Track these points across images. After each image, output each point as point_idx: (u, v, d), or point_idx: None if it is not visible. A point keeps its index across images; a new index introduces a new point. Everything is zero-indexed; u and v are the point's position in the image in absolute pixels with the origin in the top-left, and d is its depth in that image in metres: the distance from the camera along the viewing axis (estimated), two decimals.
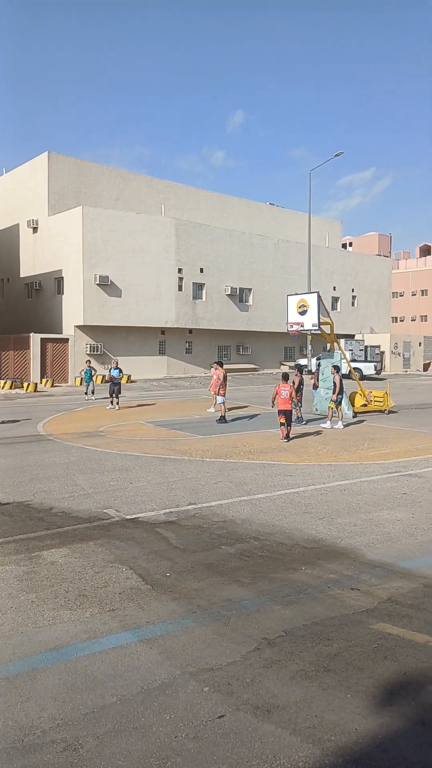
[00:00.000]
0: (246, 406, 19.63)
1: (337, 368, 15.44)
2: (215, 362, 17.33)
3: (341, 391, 14.97)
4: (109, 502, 7.84)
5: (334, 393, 15.01)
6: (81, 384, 29.53)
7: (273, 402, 13.28)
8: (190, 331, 37.06)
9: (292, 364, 41.29)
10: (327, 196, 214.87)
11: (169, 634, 4.23)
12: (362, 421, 16.25)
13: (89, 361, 24.61)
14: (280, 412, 12.76)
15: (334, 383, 15.08)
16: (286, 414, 12.74)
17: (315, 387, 17.88)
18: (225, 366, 16.72)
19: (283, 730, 3.16)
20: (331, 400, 15.02)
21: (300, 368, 16.73)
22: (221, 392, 15.95)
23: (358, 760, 2.93)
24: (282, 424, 12.84)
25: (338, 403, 14.96)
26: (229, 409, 16.41)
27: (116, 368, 19.89)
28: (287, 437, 12.90)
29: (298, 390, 15.79)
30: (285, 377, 13.21)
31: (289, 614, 4.55)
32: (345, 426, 15.07)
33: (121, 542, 6.25)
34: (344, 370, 17.69)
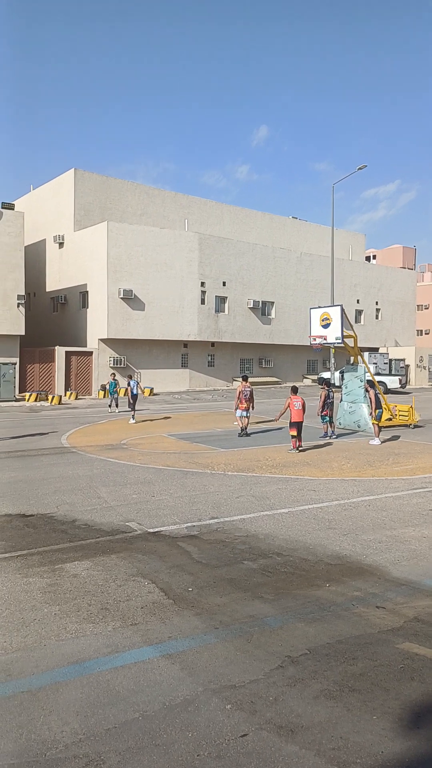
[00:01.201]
0: (269, 420, 19.54)
1: (371, 383, 15.28)
2: (241, 376, 17.28)
3: (379, 406, 14.79)
4: (131, 515, 7.86)
5: (372, 409, 14.85)
6: (104, 397, 29.85)
7: (281, 415, 13.94)
8: (213, 344, 37.16)
9: (315, 377, 41.04)
10: (351, 209, 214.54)
11: (192, 650, 4.20)
12: (397, 436, 16.03)
13: (114, 374, 24.83)
14: (293, 424, 13.15)
15: (370, 399, 14.93)
16: (299, 426, 13.14)
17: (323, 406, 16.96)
18: (249, 379, 16.63)
19: (307, 751, 3.11)
20: (373, 417, 14.83)
21: (327, 382, 16.42)
22: (241, 406, 15.87)
23: None
24: (294, 437, 13.18)
25: (378, 418, 14.78)
26: (254, 423, 16.34)
27: (128, 382, 20.11)
28: (298, 449, 13.21)
29: (325, 405, 15.58)
30: (294, 390, 13.75)
31: (313, 632, 4.48)
32: (380, 442, 14.71)
33: (144, 556, 6.25)
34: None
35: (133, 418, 19.40)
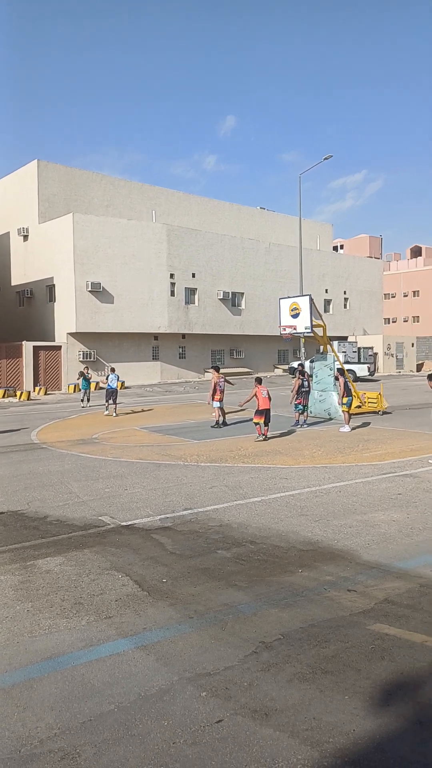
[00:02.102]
0: (242, 410, 19.63)
1: (341, 371, 15.45)
2: (212, 367, 17.29)
3: (348, 393, 14.96)
4: (104, 509, 7.82)
5: (341, 396, 15.01)
6: (75, 391, 29.52)
7: (246, 402, 14.42)
8: (183, 336, 37.07)
9: (286, 367, 41.34)
10: (319, 199, 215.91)
11: (166, 640, 4.22)
12: (367, 423, 16.28)
13: (87, 368, 24.58)
14: (260, 411, 13.38)
15: (339, 387, 15.09)
16: (267, 413, 13.40)
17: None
18: (220, 370, 16.64)
19: (281, 733, 3.16)
20: (343, 404, 15.00)
21: (302, 371, 16.47)
22: (216, 397, 15.90)
23: (356, 761, 2.93)
24: (257, 424, 13.46)
25: (348, 405, 14.95)
26: (227, 413, 16.39)
27: (112, 374, 19.87)
28: (266, 437, 13.44)
29: (299, 393, 15.72)
30: (259, 381, 14.11)
31: (286, 617, 4.55)
32: (350, 429, 14.89)
33: (117, 549, 6.24)
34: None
35: (113, 411, 19.18)
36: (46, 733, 3.22)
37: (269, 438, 13.56)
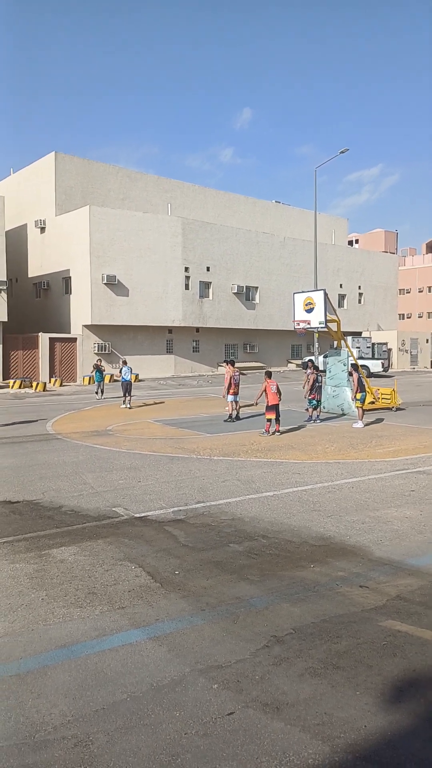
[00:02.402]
0: (254, 404, 19.62)
1: (355, 367, 15.34)
2: (226, 361, 17.30)
3: (362, 389, 14.86)
4: (117, 501, 7.88)
5: (355, 392, 14.92)
6: (90, 383, 29.69)
7: (258, 398, 14.13)
8: (197, 329, 37.08)
9: (299, 362, 41.20)
10: (335, 193, 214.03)
11: (178, 632, 4.25)
12: (381, 419, 16.19)
13: (100, 360, 24.73)
14: (271, 407, 13.31)
15: (353, 382, 14.98)
16: (277, 409, 13.36)
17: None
18: (234, 364, 16.65)
19: (292, 727, 3.18)
20: (356, 400, 14.91)
21: (315, 366, 16.43)
22: (231, 391, 15.93)
23: (367, 757, 2.94)
24: (270, 420, 13.36)
25: (362, 401, 14.86)
26: (240, 408, 16.41)
27: (125, 366, 19.96)
28: (279, 432, 13.39)
29: (313, 388, 15.67)
30: (269, 374, 14.01)
31: (298, 612, 4.56)
32: (364, 425, 14.81)
33: (130, 540, 6.28)
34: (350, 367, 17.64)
35: (128, 403, 19.29)
36: (60, 720, 3.26)
37: (283, 432, 13.53)
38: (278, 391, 13.56)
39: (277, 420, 13.43)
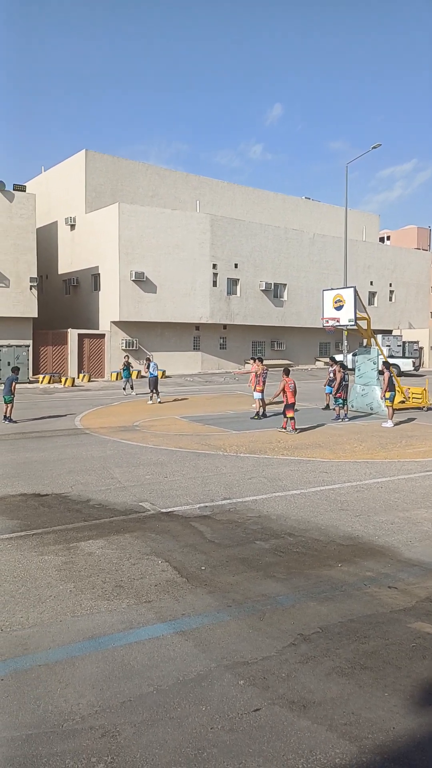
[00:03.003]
0: (281, 402, 19.52)
1: (387, 365, 15.10)
2: (254, 358, 17.27)
3: (392, 388, 14.63)
4: (144, 496, 7.93)
5: (385, 390, 14.71)
6: (118, 379, 29.98)
7: (276, 396, 14.03)
8: (225, 326, 37.05)
9: (327, 359, 40.80)
10: (367, 188, 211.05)
11: (205, 627, 4.26)
12: (412, 419, 15.95)
13: (127, 356, 24.97)
14: (290, 405, 13.34)
15: (384, 380, 14.75)
16: (293, 407, 13.45)
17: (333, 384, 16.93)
18: (263, 361, 16.64)
19: (319, 726, 3.15)
20: (386, 399, 14.71)
21: (342, 364, 16.35)
22: (258, 388, 15.91)
23: (396, 759, 2.90)
24: (292, 419, 13.41)
25: (391, 400, 14.65)
26: (267, 405, 16.36)
27: (147, 365, 20.12)
28: (296, 429, 13.40)
29: (340, 387, 15.53)
30: (287, 372, 14.05)
31: (325, 611, 4.52)
32: (393, 425, 14.59)
33: (157, 535, 6.32)
34: (380, 365, 17.40)
35: (151, 399, 19.50)
36: (87, 710, 3.30)
37: (303, 430, 13.44)
38: (295, 390, 13.57)
39: (293, 418, 13.44)
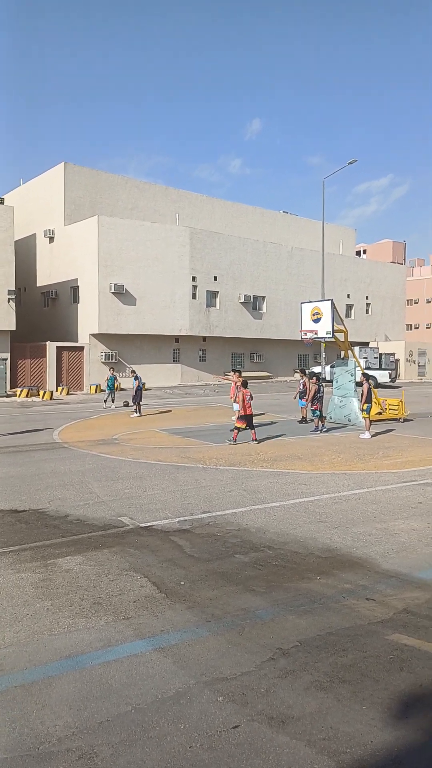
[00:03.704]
0: (262, 414, 19.61)
1: (367, 377, 15.28)
2: (233, 370, 17.36)
3: (369, 400, 14.78)
4: (123, 510, 7.88)
5: (363, 402, 14.87)
6: (97, 392, 29.77)
7: (234, 399, 14.18)
8: (204, 339, 37.15)
9: (307, 371, 41.09)
10: (344, 203, 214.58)
11: (184, 643, 4.23)
12: (388, 430, 16.13)
13: (112, 369, 24.90)
14: (244, 417, 13.43)
15: (363, 392, 14.90)
16: (250, 419, 13.56)
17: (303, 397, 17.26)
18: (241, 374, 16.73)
19: (298, 741, 3.15)
20: (363, 410, 14.86)
21: (317, 375, 16.57)
22: (237, 400, 15.94)
23: None
24: (240, 429, 13.56)
25: (368, 411, 14.80)
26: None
27: (135, 377, 20.16)
28: (257, 440, 13.61)
29: (315, 399, 15.68)
30: (245, 384, 13.95)
31: (304, 624, 4.53)
32: (371, 436, 14.74)
33: (136, 550, 6.27)
34: (357, 377, 17.61)
35: (138, 412, 19.46)
36: (64, 732, 3.25)
37: (261, 441, 13.65)
38: (251, 401, 13.71)
39: (252, 428, 13.60)
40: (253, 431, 13.62)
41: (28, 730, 3.27)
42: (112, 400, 22.92)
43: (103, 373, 28.32)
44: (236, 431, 13.60)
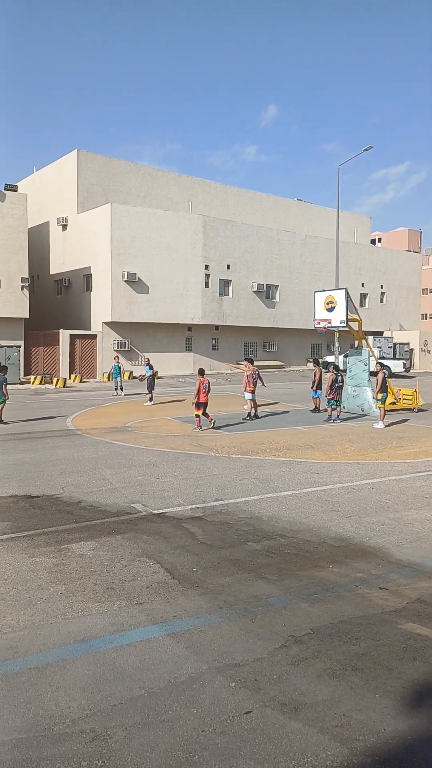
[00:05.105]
0: (275, 403, 19.57)
1: (382, 365, 15.16)
2: (246, 359, 17.32)
3: (383, 389, 14.66)
4: (136, 497, 7.91)
5: (377, 392, 14.75)
6: (109, 380, 29.90)
7: (196, 396, 14.21)
8: (217, 327, 37.06)
9: (320, 361, 40.86)
10: (360, 190, 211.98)
11: (196, 629, 4.25)
12: (403, 420, 16.01)
13: (117, 357, 24.90)
14: (201, 404, 13.85)
15: (378, 381, 14.77)
16: (205, 406, 13.95)
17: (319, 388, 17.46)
18: (253, 362, 16.73)
19: (310, 728, 3.15)
20: (378, 400, 14.77)
21: (335, 366, 16.47)
22: (249, 389, 15.93)
23: (386, 761, 2.90)
24: (197, 416, 13.95)
25: (382, 401, 14.69)
26: (258, 406, 16.39)
27: (147, 365, 20.21)
28: (202, 427, 13.99)
29: (332, 388, 15.55)
30: (201, 372, 14.49)
31: (316, 612, 4.52)
32: (384, 426, 14.64)
33: (149, 537, 6.30)
34: (371, 367, 17.48)
35: (151, 400, 19.51)
36: (78, 714, 3.29)
37: (219, 427, 13.99)
38: (208, 391, 13.99)
39: (206, 414, 13.98)
40: (197, 419, 13.94)
41: (43, 712, 3.31)
42: (121, 388, 22.92)
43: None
44: (198, 419, 13.97)
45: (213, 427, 14.02)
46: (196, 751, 2.96)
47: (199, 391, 13.82)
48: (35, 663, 3.81)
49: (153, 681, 3.60)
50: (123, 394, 22.82)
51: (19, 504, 7.65)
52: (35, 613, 4.53)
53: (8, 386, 15.85)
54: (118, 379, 22.90)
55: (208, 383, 14.16)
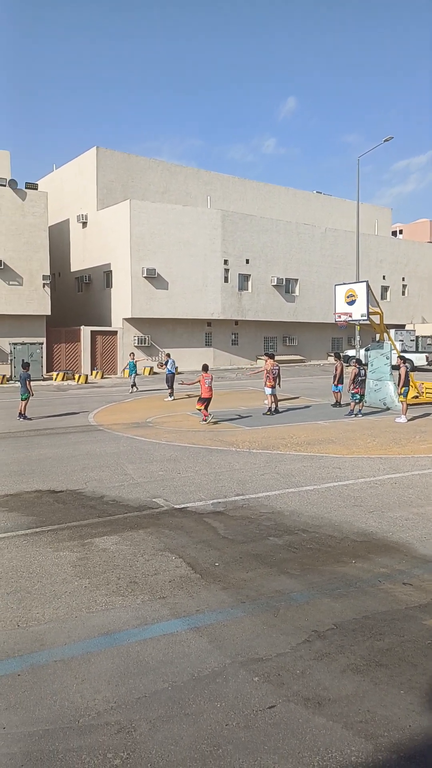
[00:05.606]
0: (295, 398, 19.48)
1: (403, 359, 15.06)
2: (265, 354, 17.25)
3: (406, 383, 14.52)
4: (158, 492, 7.96)
5: (400, 386, 14.63)
6: (129, 376, 30.07)
7: (192, 384, 15.06)
8: (236, 322, 36.98)
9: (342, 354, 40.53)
10: (381, 182, 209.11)
11: (219, 623, 4.26)
12: (426, 414, 15.82)
13: (133, 354, 25.02)
14: (204, 399, 14.10)
15: (400, 375, 14.64)
16: (208, 401, 14.26)
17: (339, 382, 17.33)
18: (274, 357, 16.66)
19: (334, 723, 3.14)
20: (400, 394, 14.66)
21: (358, 360, 16.34)
22: (268, 384, 15.88)
23: (412, 757, 2.88)
24: (199, 409, 14.38)
25: (405, 395, 14.57)
26: (279, 401, 16.34)
27: (166, 361, 20.34)
28: (207, 420, 14.19)
29: (355, 382, 15.42)
30: (205, 368, 14.78)
31: (340, 607, 4.50)
32: (407, 420, 14.48)
33: (171, 531, 6.33)
34: (393, 360, 17.28)
35: (171, 396, 19.62)
36: (103, 706, 3.32)
37: (217, 423, 14.11)
38: (211, 386, 14.32)
39: (206, 408, 14.21)
40: (205, 411, 14.22)
41: (69, 704, 3.35)
42: (133, 385, 22.93)
43: (137, 356, 28.47)
44: (205, 411, 14.24)
45: (210, 422, 14.12)
46: (220, 745, 2.98)
47: (202, 385, 14.14)
48: (60, 655, 3.87)
49: (177, 675, 3.62)
50: (135, 390, 22.84)
51: (43, 499, 7.75)
52: (60, 606, 4.59)
53: (32, 383, 16.04)
54: (133, 375, 22.99)
55: (211, 378, 14.43)
